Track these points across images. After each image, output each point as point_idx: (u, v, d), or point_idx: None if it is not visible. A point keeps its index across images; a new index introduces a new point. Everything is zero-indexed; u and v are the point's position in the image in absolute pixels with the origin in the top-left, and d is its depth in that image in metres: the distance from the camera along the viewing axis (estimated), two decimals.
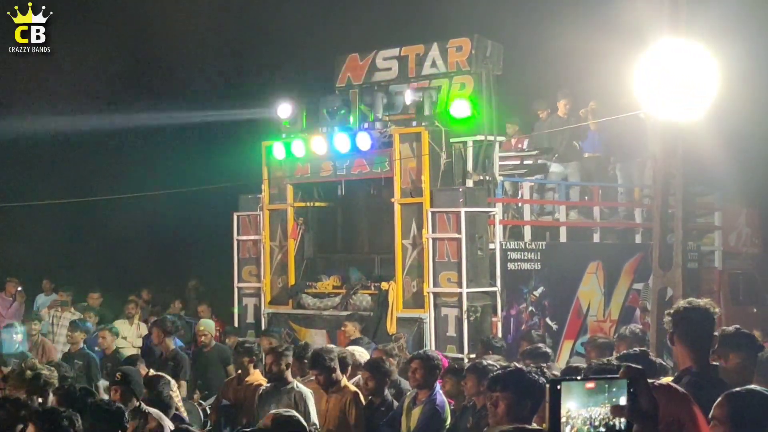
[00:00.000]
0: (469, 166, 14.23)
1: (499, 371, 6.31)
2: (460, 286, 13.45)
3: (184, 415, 10.05)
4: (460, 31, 15.07)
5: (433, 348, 12.87)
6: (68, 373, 10.34)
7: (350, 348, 10.86)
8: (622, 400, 2.85)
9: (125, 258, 21.33)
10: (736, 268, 17.77)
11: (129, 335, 15.23)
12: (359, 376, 9.82)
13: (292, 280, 15.44)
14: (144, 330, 15.14)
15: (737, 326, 6.68)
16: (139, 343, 14.70)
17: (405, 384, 9.87)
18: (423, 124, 14.00)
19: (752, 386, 4.03)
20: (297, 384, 9.52)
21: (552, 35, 18.20)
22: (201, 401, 12.15)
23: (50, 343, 14.70)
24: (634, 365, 2.93)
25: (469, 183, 14.16)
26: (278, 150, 15.12)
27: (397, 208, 14.10)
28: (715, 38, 11.76)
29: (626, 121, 16.00)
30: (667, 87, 11.08)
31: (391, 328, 13.76)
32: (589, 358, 9.89)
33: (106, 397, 9.50)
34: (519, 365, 6.57)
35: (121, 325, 15.30)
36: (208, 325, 13.86)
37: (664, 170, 12.36)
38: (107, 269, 20.41)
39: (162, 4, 20.21)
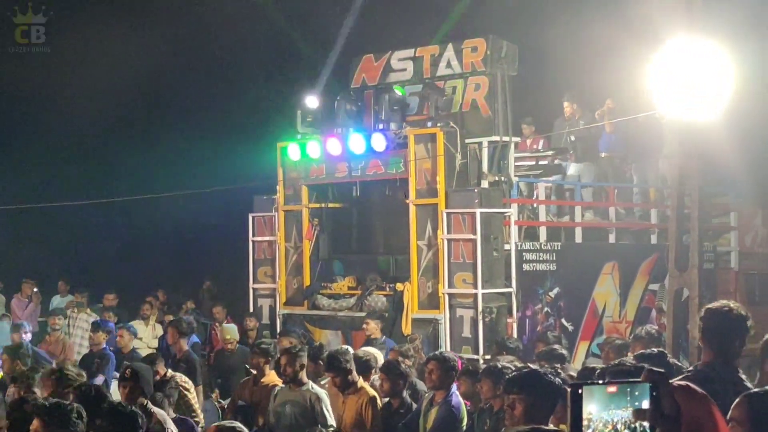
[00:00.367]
0: (485, 167, 14.23)
1: (516, 373, 6.30)
2: (476, 287, 13.44)
3: (199, 418, 10.07)
4: (475, 31, 15.06)
5: (449, 349, 12.86)
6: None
7: (363, 349, 10.84)
8: (645, 404, 2.85)
9: (140, 259, 21.39)
10: (752, 268, 17.70)
11: (144, 336, 15.28)
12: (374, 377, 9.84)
13: (307, 281, 15.44)
14: (159, 331, 15.19)
15: None
16: (155, 344, 14.76)
17: (421, 385, 9.86)
18: (438, 124, 13.99)
19: None
20: (312, 385, 9.53)
21: (567, 35, 18.16)
22: (220, 400, 12.17)
23: (70, 341, 14.75)
24: (656, 369, 2.92)
25: (485, 184, 14.15)
26: (293, 151, 15.13)
27: (412, 208, 14.09)
28: (731, 37, 11.71)
29: (642, 121, 15.98)
30: (682, 86, 11.03)
31: (406, 329, 13.75)
32: (605, 359, 9.89)
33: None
34: (535, 366, 6.56)
35: (136, 325, 15.35)
36: (231, 331, 13.79)
37: (679, 170, 12.31)
38: (122, 270, 20.46)
39: (184, 6, 20.27)
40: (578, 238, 15.48)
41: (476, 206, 13.53)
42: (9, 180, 20.23)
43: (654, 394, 2.85)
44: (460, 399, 8.83)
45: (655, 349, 7.70)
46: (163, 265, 21.52)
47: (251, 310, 15.83)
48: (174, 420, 8.40)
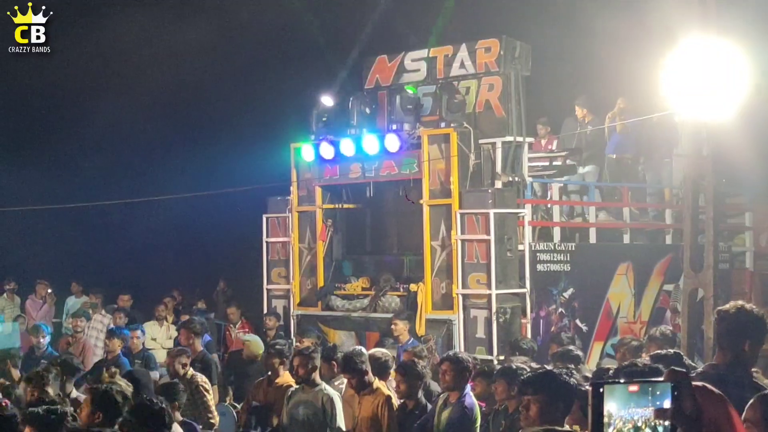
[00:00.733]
0: (498, 168, 14.21)
1: (530, 374, 6.29)
2: (490, 288, 13.43)
3: (215, 420, 10.08)
4: (488, 32, 15.04)
5: (462, 350, 12.86)
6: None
7: (379, 350, 10.84)
8: (666, 403, 2.85)
9: (154, 260, 21.42)
10: (767, 268, 17.62)
11: (159, 337, 15.32)
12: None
13: (320, 282, 15.46)
14: (174, 332, 15.21)
15: None
16: (169, 344, 14.78)
17: (435, 386, 9.87)
18: (452, 125, 13.98)
19: None
20: (325, 386, 9.54)
21: (581, 35, 18.13)
22: (234, 403, 12.18)
23: (90, 344, 14.80)
24: (678, 369, 2.92)
25: (498, 184, 14.14)
26: (307, 152, 15.15)
27: (426, 209, 14.08)
28: (745, 36, 11.67)
29: (655, 121, 15.94)
30: (697, 86, 11.01)
31: (420, 329, 13.75)
32: (620, 361, 9.86)
33: None
34: (549, 367, 6.55)
35: (151, 326, 15.41)
36: (257, 347, 13.30)
37: (694, 170, 12.28)
38: (136, 272, 20.50)
39: (198, 5, 20.30)
40: (592, 239, 15.45)
41: (490, 207, 13.52)
42: (23, 181, 20.29)
43: (675, 393, 2.86)
44: (474, 400, 8.82)
45: (671, 350, 7.69)
46: (177, 267, 21.56)
47: (265, 310, 15.85)
48: (181, 423, 8.40)
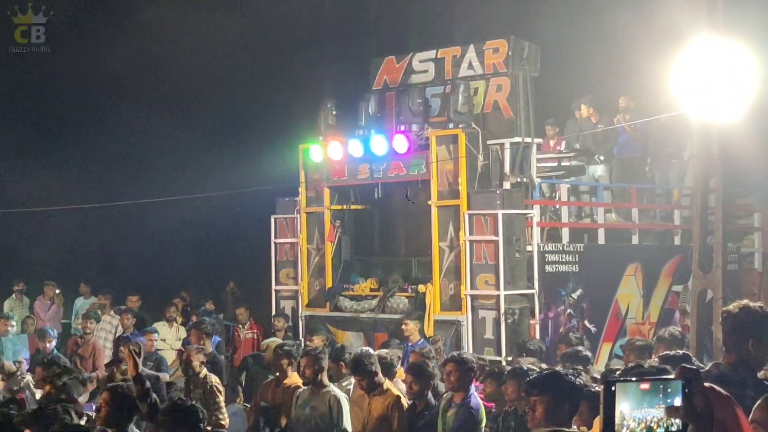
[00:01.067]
0: (507, 168, 14.21)
1: (536, 375, 6.29)
2: (498, 289, 13.43)
3: (225, 421, 10.08)
4: (496, 32, 15.04)
5: (471, 351, 12.86)
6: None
7: (377, 351, 10.85)
8: (677, 401, 2.85)
9: (163, 261, 21.45)
10: None
11: (168, 338, 15.34)
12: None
13: (329, 283, 15.47)
14: (184, 333, 15.23)
15: None
16: (178, 345, 14.80)
17: (442, 387, 9.86)
18: (460, 125, 13.98)
19: None
20: (333, 388, 9.55)
21: (590, 36, 18.13)
22: (245, 404, 12.19)
23: (100, 345, 14.82)
24: (689, 366, 2.93)
25: (507, 185, 14.14)
26: (315, 153, 15.16)
27: (434, 210, 14.09)
28: (754, 36, 11.66)
29: (663, 122, 15.92)
30: (706, 86, 11.00)
31: (429, 330, 13.76)
32: (627, 361, 9.86)
33: None
34: (557, 368, 6.55)
35: (160, 327, 15.43)
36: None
37: (703, 171, 12.27)
38: (145, 273, 20.53)
39: (207, 6, 20.33)
40: (601, 240, 15.44)
41: (498, 207, 13.52)
42: (31, 183, 20.34)
43: (686, 391, 2.86)
44: (479, 400, 8.83)
45: (680, 351, 7.68)
46: (186, 267, 21.59)
47: (274, 311, 15.88)
48: None
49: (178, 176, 20.28)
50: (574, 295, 14.38)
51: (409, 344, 12.74)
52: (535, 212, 14.21)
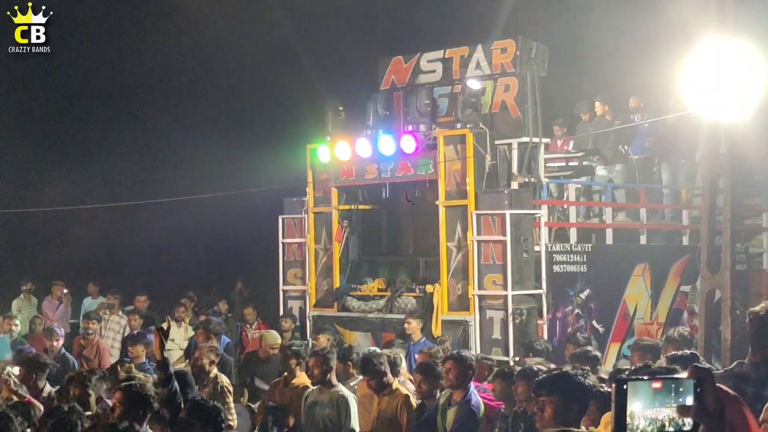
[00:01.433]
0: (514, 168, 14.20)
1: (545, 375, 6.30)
2: (506, 289, 13.43)
3: (234, 422, 10.10)
4: (504, 32, 15.06)
5: (479, 351, 12.88)
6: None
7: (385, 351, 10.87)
8: (689, 400, 2.86)
9: (171, 261, 21.50)
10: None
11: (177, 338, 15.36)
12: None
13: (336, 283, 15.48)
14: (192, 333, 15.26)
15: None
16: (186, 345, 14.83)
17: None
18: (467, 125, 13.99)
19: None
20: (342, 388, 9.56)
21: (599, 36, 18.13)
22: (249, 404, 12.22)
23: (105, 344, 14.84)
24: (701, 365, 2.94)
25: (514, 185, 14.13)
26: (323, 153, 15.18)
27: (442, 210, 14.10)
28: (762, 36, 11.65)
29: (671, 122, 15.92)
30: (714, 86, 11.00)
31: (436, 330, 13.77)
32: (633, 360, 9.88)
33: None
34: (566, 369, 6.56)
35: None
36: (275, 339, 13.48)
37: (711, 171, 12.27)
38: (153, 273, 20.59)
39: (213, 7, 20.36)
40: (609, 240, 15.44)
41: (506, 207, 13.52)
42: (41, 184, 20.42)
43: (698, 390, 2.87)
44: (479, 398, 8.84)
45: (688, 351, 7.69)
46: (194, 267, 21.64)
47: (281, 311, 15.90)
48: None
49: (186, 177, 20.34)
50: (582, 296, 14.38)
51: (412, 343, 12.76)
52: (543, 212, 14.21)
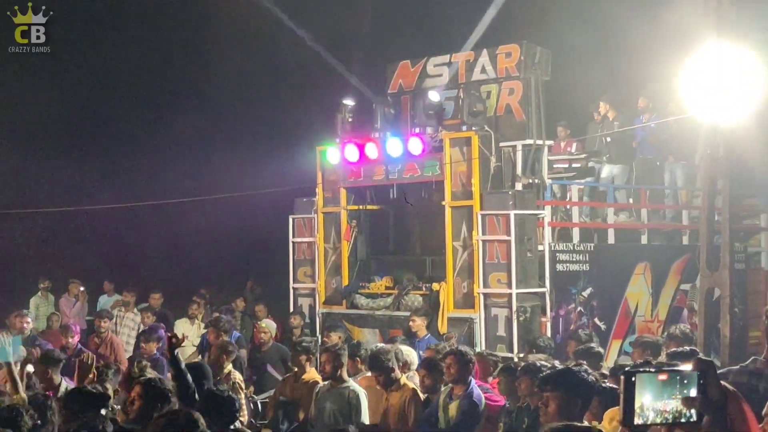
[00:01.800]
0: (519, 170, 14.24)
1: (549, 371, 6.32)
2: (510, 287, 13.45)
3: (244, 418, 10.12)
4: (509, 37, 15.07)
5: (484, 347, 12.91)
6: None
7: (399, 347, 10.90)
8: (693, 392, 2.90)
9: (185, 260, 21.52)
10: None
11: (191, 334, 15.39)
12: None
13: (345, 281, 15.52)
14: (204, 330, 15.30)
15: None
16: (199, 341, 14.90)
17: None
18: (473, 128, 14.01)
19: None
20: (352, 383, 9.59)
21: (602, 40, 18.12)
22: (253, 395, 12.28)
23: (118, 339, 14.88)
24: (705, 358, 2.98)
25: (519, 186, 14.16)
26: (332, 155, 15.21)
27: (448, 210, 14.12)
28: (760, 41, 11.66)
29: (672, 125, 15.92)
30: (714, 90, 11.00)
31: (442, 327, 13.80)
32: (633, 357, 9.90)
33: None
34: (569, 365, 6.57)
35: (183, 324, 15.52)
36: (269, 325, 14.11)
37: (710, 172, 12.27)
38: (167, 271, 20.61)
39: (224, 9, 20.37)
40: (611, 239, 15.44)
41: (510, 208, 13.54)
42: (57, 183, 20.44)
43: (701, 382, 2.91)
44: (480, 392, 8.87)
45: (688, 348, 7.71)
46: (207, 266, 21.66)
47: (292, 309, 15.96)
48: None
49: (199, 178, 20.36)
50: (585, 294, 14.39)
51: (417, 340, 12.79)
52: (546, 212, 14.22)
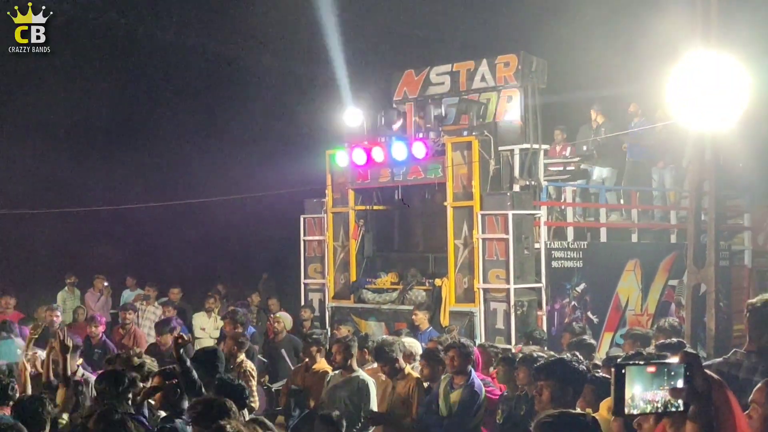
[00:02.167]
0: (516, 172, 14.24)
1: (543, 362, 6.30)
2: (508, 283, 13.44)
3: (255, 405, 10.11)
4: (507, 47, 15.07)
5: (483, 339, 12.90)
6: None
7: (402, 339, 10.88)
8: (680, 383, 2.88)
9: (203, 257, 21.54)
10: (764, 265, 17.56)
11: (207, 327, 15.41)
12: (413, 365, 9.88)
13: (353, 277, 15.52)
14: (221, 323, 15.30)
15: None
16: (216, 334, 14.91)
17: None
18: (473, 133, 14.00)
19: None
20: (362, 372, 9.58)
21: (595, 49, 18.09)
22: (267, 384, 12.27)
23: (141, 331, 14.88)
24: (690, 350, 2.96)
25: (516, 188, 14.15)
26: (341, 158, 15.22)
27: (449, 210, 14.11)
28: (745, 48, 11.59)
29: (659, 130, 15.89)
30: (700, 97, 10.94)
31: (444, 320, 13.80)
32: (625, 348, 9.87)
33: None
34: (563, 355, 6.55)
35: (200, 317, 15.52)
36: (284, 317, 14.13)
37: (697, 175, 12.23)
38: (187, 267, 20.61)
39: (238, 12, 20.36)
40: (603, 238, 15.43)
41: (509, 208, 13.53)
42: (83, 184, 20.44)
43: (688, 374, 2.89)
44: (480, 382, 8.85)
45: (675, 339, 7.68)
46: (223, 263, 21.67)
47: (303, 303, 15.99)
48: None
49: (216, 179, 20.37)
50: (578, 289, 14.37)
51: (419, 333, 12.78)
52: (542, 212, 14.22)
